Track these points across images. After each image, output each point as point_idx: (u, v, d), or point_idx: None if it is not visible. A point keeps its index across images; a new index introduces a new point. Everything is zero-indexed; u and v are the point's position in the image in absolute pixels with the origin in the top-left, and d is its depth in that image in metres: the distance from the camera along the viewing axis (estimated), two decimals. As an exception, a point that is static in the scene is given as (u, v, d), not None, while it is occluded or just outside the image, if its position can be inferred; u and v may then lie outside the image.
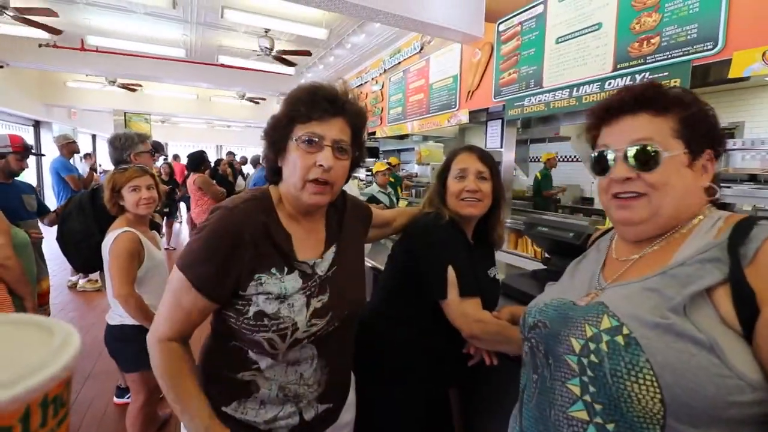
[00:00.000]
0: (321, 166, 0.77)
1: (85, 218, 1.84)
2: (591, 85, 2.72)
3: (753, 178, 3.60)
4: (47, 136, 8.75)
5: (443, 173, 1.18)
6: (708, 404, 0.50)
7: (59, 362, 0.20)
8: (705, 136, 0.64)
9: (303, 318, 0.78)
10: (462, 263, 1.04)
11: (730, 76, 2.02)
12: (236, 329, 0.78)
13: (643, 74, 2.43)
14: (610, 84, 2.60)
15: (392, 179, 4.96)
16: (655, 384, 0.52)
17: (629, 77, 2.49)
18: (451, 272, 1.02)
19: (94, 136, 12.04)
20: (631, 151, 0.64)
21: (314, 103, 0.78)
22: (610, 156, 0.66)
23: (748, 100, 4.57)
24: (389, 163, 4.17)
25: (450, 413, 1.29)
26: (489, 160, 1.16)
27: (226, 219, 0.77)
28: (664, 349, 0.52)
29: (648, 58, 2.40)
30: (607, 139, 0.68)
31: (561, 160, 6.49)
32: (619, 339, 0.56)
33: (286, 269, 0.79)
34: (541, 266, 1.72)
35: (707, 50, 2.14)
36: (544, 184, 5.82)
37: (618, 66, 2.57)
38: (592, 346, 0.59)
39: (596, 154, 0.69)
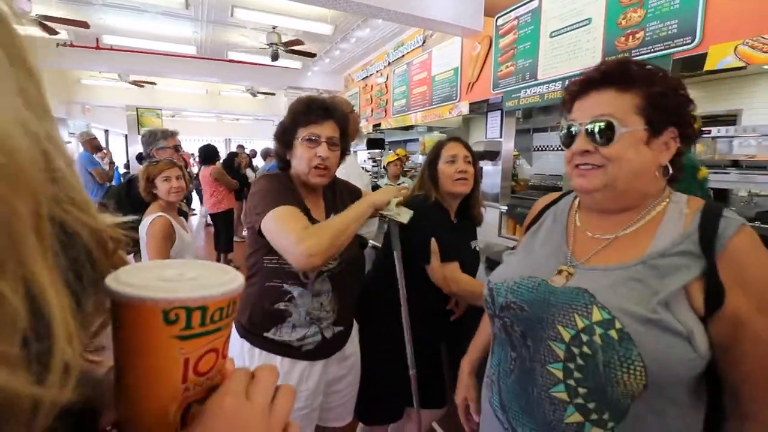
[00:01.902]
0: (320, 156, 1.09)
1: (122, 207, 2.08)
2: (581, 77, 2.87)
3: (739, 164, 3.70)
4: (63, 132, 9.08)
5: (434, 160, 1.40)
6: (677, 379, 0.59)
7: (239, 281, 0.33)
8: (669, 114, 0.65)
9: None
10: (443, 235, 1.27)
11: (706, 68, 2.17)
12: (277, 267, 1.06)
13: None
14: (598, 76, 2.75)
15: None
16: (644, 373, 0.57)
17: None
18: (434, 243, 1.25)
19: (106, 131, 12.36)
20: (591, 126, 0.66)
21: (311, 111, 1.11)
22: (574, 130, 0.69)
23: (747, 88, 4.65)
24: (396, 153, 4.31)
25: (441, 365, 1.51)
26: (470, 148, 1.39)
27: (274, 177, 1.13)
28: (653, 343, 0.57)
29: (633, 51, 2.56)
30: (575, 114, 0.71)
31: (560, 149, 6.59)
32: (613, 333, 0.59)
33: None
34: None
35: (686, 44, 2.29)
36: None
37: (606, 59, 2.72)
38: (584, 337, 0.61)
39: (564, 127, 0.72)
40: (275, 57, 5.83)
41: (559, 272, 0.71)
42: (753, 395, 0.61)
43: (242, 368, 0.36)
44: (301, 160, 1.11)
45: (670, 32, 2.35)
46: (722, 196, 3.03)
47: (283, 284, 1.09)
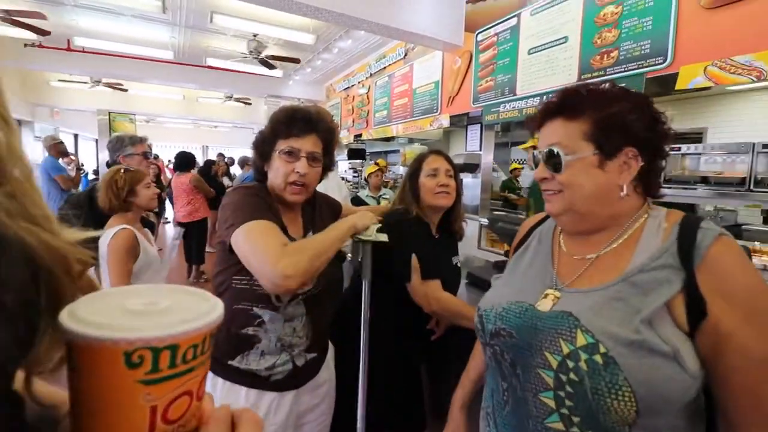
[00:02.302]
0: (298, 172, 1.00)
1: (83, 218, 1.95)
2: (559, 93, 2.93)
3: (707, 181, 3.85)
4: (28, 135, 8.67)
5: (415, 173, 1.36)
6: (670, 404, 0.56)
7: (218, 311, 0.30)
8: (623, 135, 0.64)
9: None
10: (424, 251, 1.22)
11: (677, 87, 2.24)
12: (247, 288, 0.98)
13: (603, 85, 2.65)
14: (575, 93, 2.81)
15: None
16: (633, 398, 0.55)
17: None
18: (414, 259, 1.20)
19: (76, 136, 11.90)
20: (544, 155, 0.70)
21: (292, 123, 1.02)
22: (537, 158, 0.72)
23: (711, 107, 4.88)
24: (377, 164, 4.27)
25: (421, 386, 1.46)
26: (452, 161, 1.35)
27: (249, 188, 1.03)
28: (638, 365, 0.55)
29: (608, 70, 2.62)
30: (538, 143, 0.74)
31: (540, 162, 6.73)
32: (597, 358, 0.57)
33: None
34: (503, 258, 1.90)
35: (659, 64, 2.36)
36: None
37: (582, 77, 2.78)
38: (570, 364, 0.59)
39: (531, 155, 0.76)
40: (265, 62, 5.74)
41: (545, 296, 0.69)
42: (742, 412, 0.57)
43: (221, 410, 0.32)
44: (277, 173, 1.02)
45: (643, 52, 2.43)
46: (690, 211, 3.12)
47: (252, 307, 0.99)
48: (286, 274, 0.82)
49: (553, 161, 0.68)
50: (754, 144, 2.92)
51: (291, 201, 1.04)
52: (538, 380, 0.63)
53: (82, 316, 0.26)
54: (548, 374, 0.62)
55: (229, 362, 1.00)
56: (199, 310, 0.29)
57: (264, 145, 1.06)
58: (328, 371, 1.18)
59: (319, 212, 1.19)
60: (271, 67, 5.98)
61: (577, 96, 0.69)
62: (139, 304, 0.28)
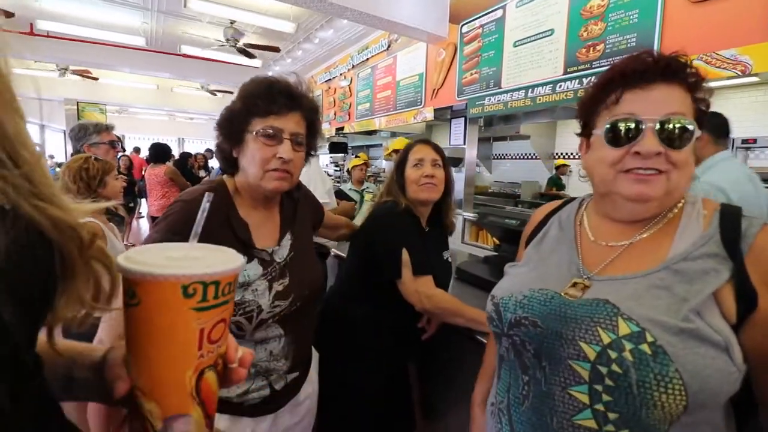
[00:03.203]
0: (281, 158, 0.84)
1: None
2: (544, 86, 2.90)
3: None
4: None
5: (401, 164, 1.28)
6: (718, 398, 0.52)
7: (242, 259, 0.38)
8: (703, 120, 0.61)
9: (266, 300, 0.85)
10: (415, 246, 1.15)
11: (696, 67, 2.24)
12: None
13: (590, 78, 2.64)
14: (560, 86, 2.80)
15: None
16: (683, 392, 0.50)
17: (578, 80, 2.69)
18: (404, 254, 1.12)
19: (42, 127, 11.31)
20: (668, 125, 0.57)
21: (272, 98, 0.84)
22: (640, 126, 0.58)
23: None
24: (359, 157, 4.18)
25: (409, 388, 1.39)
26: (441, 151, 1.28)
27: (186, 211, 0.80)
28: (690, 356, 0.51)
29: (594, 63, 2.61)
30: (634, 107, 0.59)
31: (520, 157, 6.78)
32: (645, 347, 0.52)
33: (245, 258, 0.85)
34: (492, 253, 1.86)
35: (644, 58, 2.36)
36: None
37: (568, 69, 2.76)
38: (612, 354, 0.54)
39: (622, 122, 0.59)
40: (243, 51, 5.53)
41: (573, 284, 0.63)
42: None
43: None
44: (252, 160, 0.84)
45: (629, 45, 2.42)
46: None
47: None
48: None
49: (679, 134, 0.57)
50: (733, 139, 2.98)
51: (271, 189, 0.87)
52: (570, 373, 0.58)
53: (141, 260, 0.34)
54: (583, 366, 0.56)
55: None
56: (226, 258, 0.37)
57: (234, 124, 0.87)
58: (311, 385, 1.05)
59: (301, 211, 1.03)
60: (250, 56, 5.78)
61: (688, 66, 0.60)
62: (179, 254, 0.37)
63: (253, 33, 5.63)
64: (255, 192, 0.89)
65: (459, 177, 3.96)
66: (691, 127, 0.57)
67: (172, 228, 0.79)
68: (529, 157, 7.17)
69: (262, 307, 0.84)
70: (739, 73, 1.93)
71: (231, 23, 5.30)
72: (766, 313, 0.53)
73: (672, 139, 0.57)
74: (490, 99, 3.41)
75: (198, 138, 12.32)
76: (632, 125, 0.59)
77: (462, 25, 3.71)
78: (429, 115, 4.24)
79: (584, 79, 2.65)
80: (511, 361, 0.68)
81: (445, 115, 4.10)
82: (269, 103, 0.84)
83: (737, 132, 3.22)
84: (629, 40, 2.42)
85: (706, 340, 0.51)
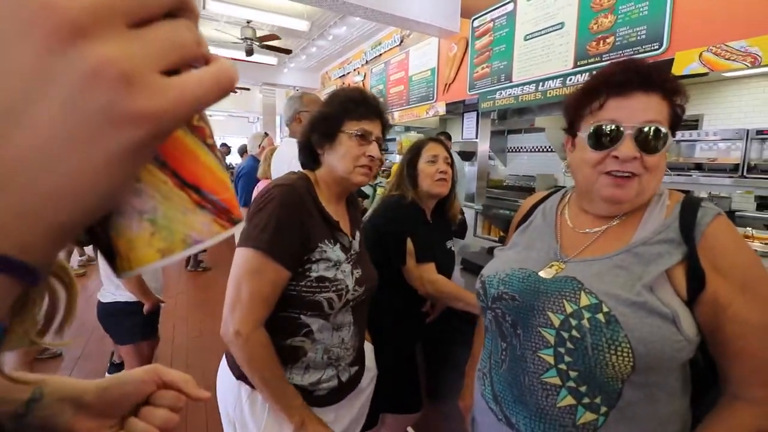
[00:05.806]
0: (370, 156, 0.95)
1: None
2: (554, 80, 2.92)
3: (701, 167, 3.87)
4: None
5: (413, 159, 1.37)
6: (663, 361, 0.60)
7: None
8: (677, 125, 0.67)
9: (351, 282, 0.95)
10: (419, 235, 1.23)
11: (673, 73, 2.24)
12: (294, 295, 0.89)
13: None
14: (571, 80, 2.81)
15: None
16: (631, 354, 0.58)
17: (588, 74, 2.70)
18: (409, 243, 1.21)
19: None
20: (644, 132, 0.62)
21: (366, 105, 0.97)
22: (619, 132, 0.64)
23: (707, 94, 4.87)
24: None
25: (416, 369, 1.48)
26: (449, 150, 1.37)
27: (291, 193, 0.89)
28: (638, 325, 0.58)
29: (604, 56, 2.62)
30: (615, 114, 0.65)
31: (535, 150, 6.76)
32: (600, 317, 0.60)
33: (333, 241, 0.94)
34: (497, 244, 1.92)
35: (654, 50, 2.36)
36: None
37: (578, 63, 2.78)
38: (573, 321, 0.63)
39: (605, 127, 0.65)
40: (249, 52, 5.69)
41: (551, 266, 0.72)
42: (741, 375, 0.62)
43: None
44: (345, 156, 0.94)
45: (639, 38, 2.42)
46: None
47: (300, 315, 0.91)
48: (238, 330, 0.82)
49: (654, 141, 0.62)
50: (748, 130, 2.93)
51: (358, 182, 0.98)
52: (539, 338, 0.67)
53: None
54: (549, 332, 0.65)
55: None
56: None
57: (327, 124, 0.97)
58: (367, 377, 1.11)
59: (354, 211, 1.11)
60: (275, 49, 5.88)
61: (667, 76, 0.65)
62: None
63: (269, 32, 5.76)
64: (337, 186, 1.00)
65: (472, 170, 4.00)
66: (664, 132, 0.63)
67: (280, 213, 0.87)
68: (545, 149, 7.13)
69: (349, 287, 0.94)
70: (749, 64, 1.92)
71: (247, 23, 5.43)
72: (712, 293, 0.60)
73: (647, 144, 0.63)
74: (501, 93, 3.43)
75: (217, 134, 12.60)
76: (613, 131, 0.64)
77: (473, 20, 3.73)
78: (441, 109, 4.28)
79: (594, 72, 2.65)
80: (493, 331, 0.77)
81: (457, 110, 4.13)
82: (364, 108, 0.96)
83: (752, 123, 3.17)
84: (639, 33, 2.42)
85: (654, 311, 0.59)
